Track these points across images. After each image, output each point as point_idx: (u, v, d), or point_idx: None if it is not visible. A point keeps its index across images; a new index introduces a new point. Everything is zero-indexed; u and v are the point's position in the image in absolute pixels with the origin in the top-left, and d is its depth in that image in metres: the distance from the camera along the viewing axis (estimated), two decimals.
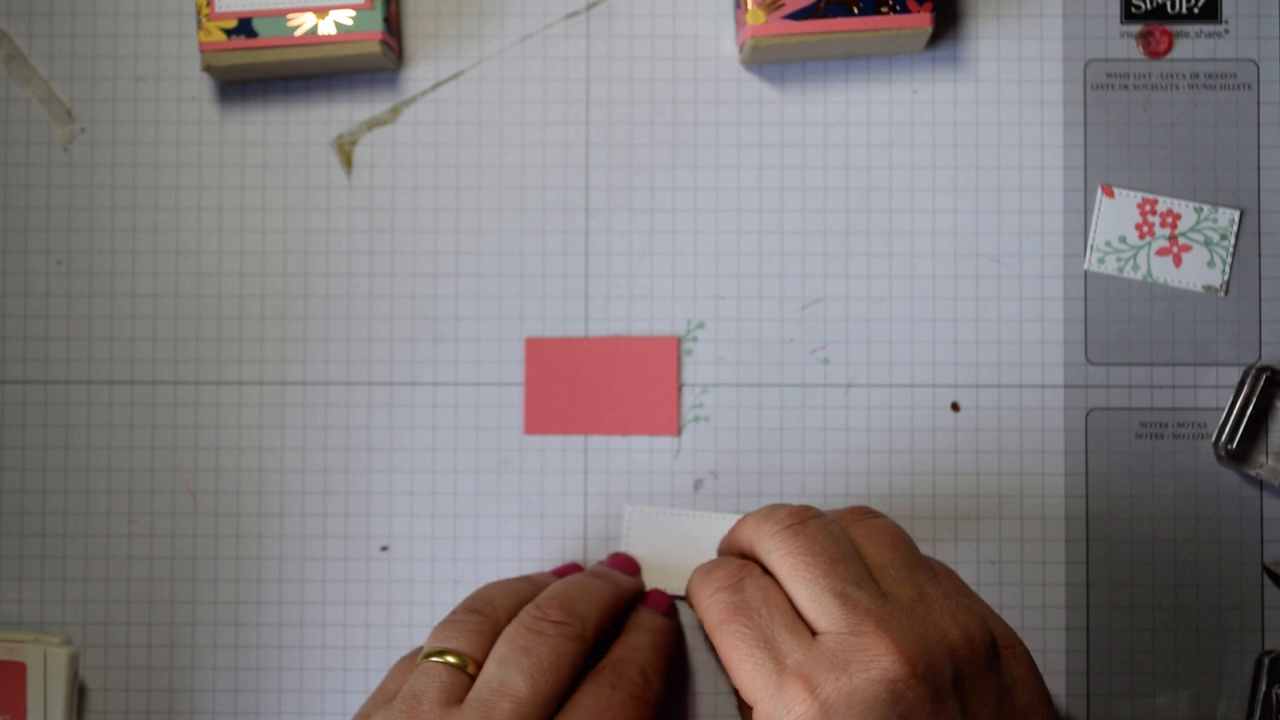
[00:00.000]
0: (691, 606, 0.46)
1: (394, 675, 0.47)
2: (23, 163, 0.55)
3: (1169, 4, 0.54)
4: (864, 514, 0.46)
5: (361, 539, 0.54)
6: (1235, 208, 0.54)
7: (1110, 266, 0.54)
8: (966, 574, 0.54)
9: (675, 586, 0.54)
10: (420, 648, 0.48)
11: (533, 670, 0.44)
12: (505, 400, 0.54)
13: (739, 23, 0.53)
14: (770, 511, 0.45)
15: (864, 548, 0.44)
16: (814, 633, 0.41)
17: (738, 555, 0.47)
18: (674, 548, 0.54)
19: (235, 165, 0.55)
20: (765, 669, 0.41)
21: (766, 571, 0.44)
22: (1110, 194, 0.54)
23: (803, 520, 0.44)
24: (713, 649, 0.50)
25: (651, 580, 0.54)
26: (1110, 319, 0.54)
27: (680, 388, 0.54)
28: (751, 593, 0.43)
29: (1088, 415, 0.54)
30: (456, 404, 0.54)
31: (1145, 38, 0.54)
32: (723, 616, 0.43)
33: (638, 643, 0.49)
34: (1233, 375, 0.54)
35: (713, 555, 0.53)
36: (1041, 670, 0.53)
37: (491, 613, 0.47)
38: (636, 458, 0.54)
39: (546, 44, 0.55)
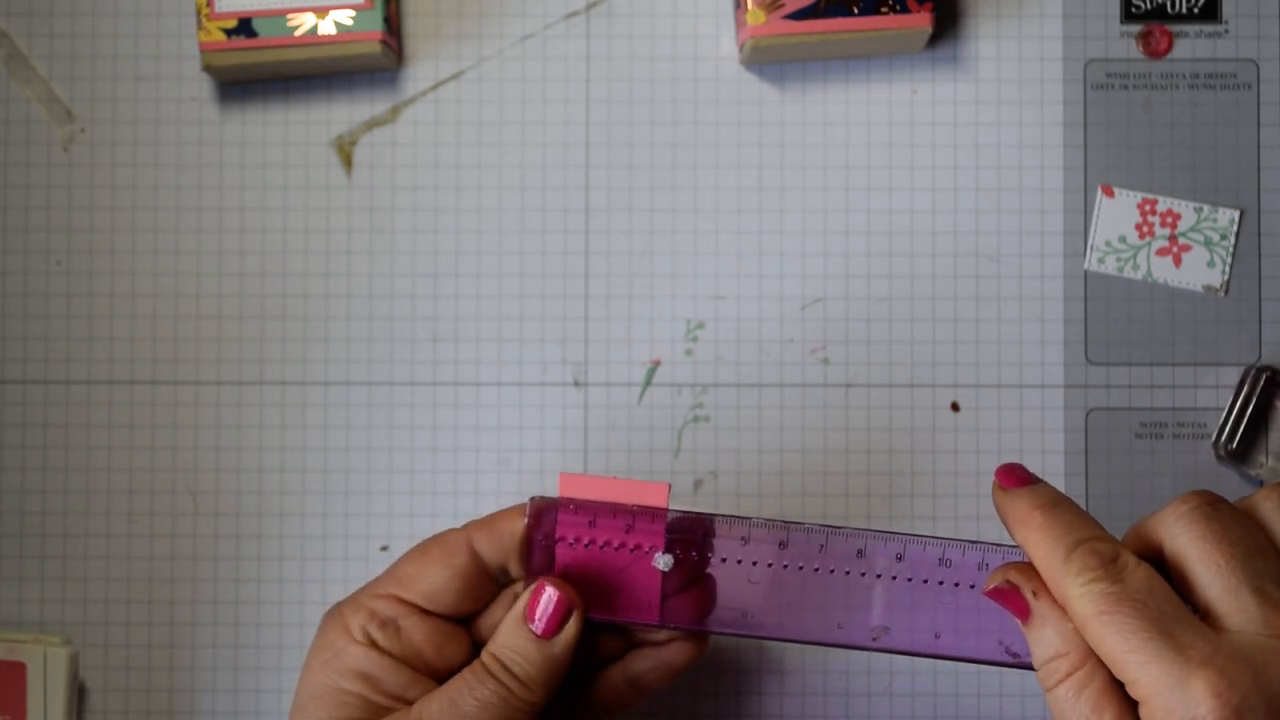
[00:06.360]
0: (1044, 591, 0.41)
1: None
2: (23, 163, 0.55)
3: (1169, 4, 0.54)
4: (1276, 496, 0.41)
5: (361, 539, 0.54)
6: (1235, 208, 0.54)
7: (1110, 266, 0.54)
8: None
9: None
10: None
11: None
12: (505, 400, 0.54)
13: (739, 23, 0.53)
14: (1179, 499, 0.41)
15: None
16: (1216, 628, 0.38)
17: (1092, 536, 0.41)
18: None
19: (235, 165, 0.55)
20: (1164, 659, 0.37)
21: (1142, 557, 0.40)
22: (1110, 194, 0.54)
23: (1214, 504, 0.40)
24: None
25: None
26: (1110, 319, 0.54)
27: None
28: (1134, 580, 0.38)
29: (1088, 415, 0.54)
30: (456, 404, 0.54)
31: (1145, 38, 0.54)
32: (1102, 606, 0.38)
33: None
34: (1233, 375, 0.54)
35: None
36: None
37: None
38: (636, 458, 0.54)
39: (546, 44, 0.55)
